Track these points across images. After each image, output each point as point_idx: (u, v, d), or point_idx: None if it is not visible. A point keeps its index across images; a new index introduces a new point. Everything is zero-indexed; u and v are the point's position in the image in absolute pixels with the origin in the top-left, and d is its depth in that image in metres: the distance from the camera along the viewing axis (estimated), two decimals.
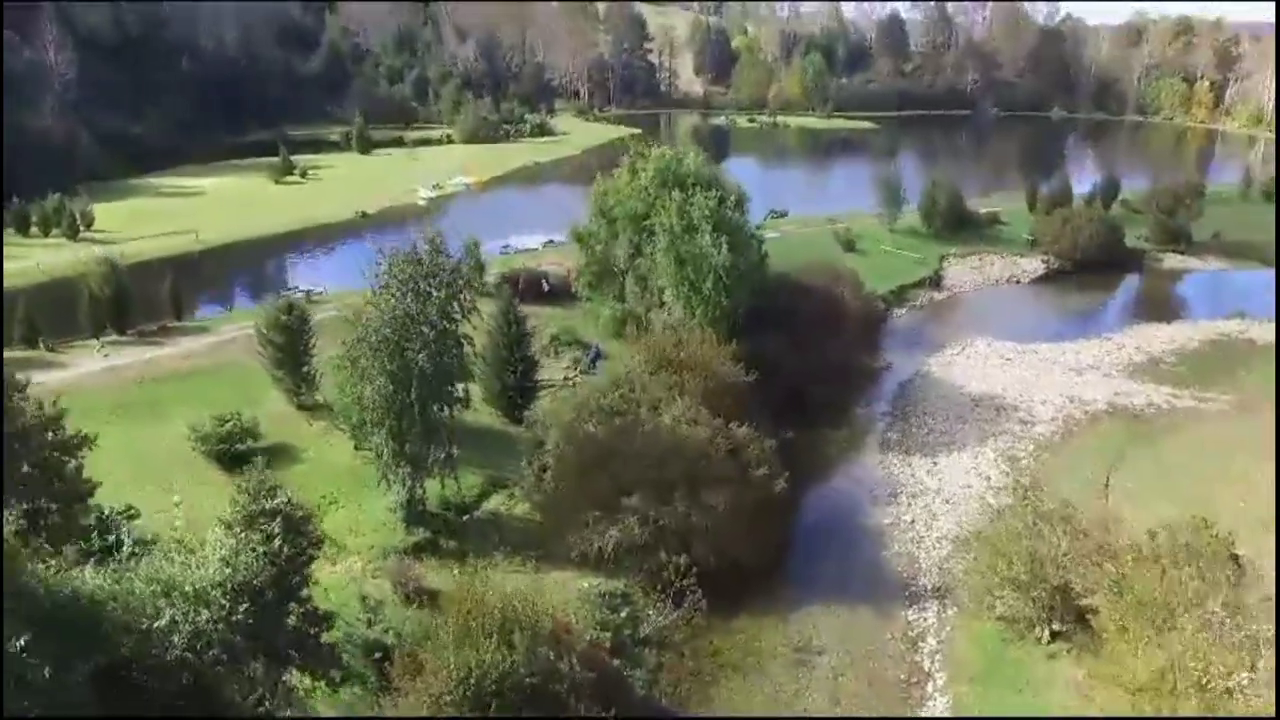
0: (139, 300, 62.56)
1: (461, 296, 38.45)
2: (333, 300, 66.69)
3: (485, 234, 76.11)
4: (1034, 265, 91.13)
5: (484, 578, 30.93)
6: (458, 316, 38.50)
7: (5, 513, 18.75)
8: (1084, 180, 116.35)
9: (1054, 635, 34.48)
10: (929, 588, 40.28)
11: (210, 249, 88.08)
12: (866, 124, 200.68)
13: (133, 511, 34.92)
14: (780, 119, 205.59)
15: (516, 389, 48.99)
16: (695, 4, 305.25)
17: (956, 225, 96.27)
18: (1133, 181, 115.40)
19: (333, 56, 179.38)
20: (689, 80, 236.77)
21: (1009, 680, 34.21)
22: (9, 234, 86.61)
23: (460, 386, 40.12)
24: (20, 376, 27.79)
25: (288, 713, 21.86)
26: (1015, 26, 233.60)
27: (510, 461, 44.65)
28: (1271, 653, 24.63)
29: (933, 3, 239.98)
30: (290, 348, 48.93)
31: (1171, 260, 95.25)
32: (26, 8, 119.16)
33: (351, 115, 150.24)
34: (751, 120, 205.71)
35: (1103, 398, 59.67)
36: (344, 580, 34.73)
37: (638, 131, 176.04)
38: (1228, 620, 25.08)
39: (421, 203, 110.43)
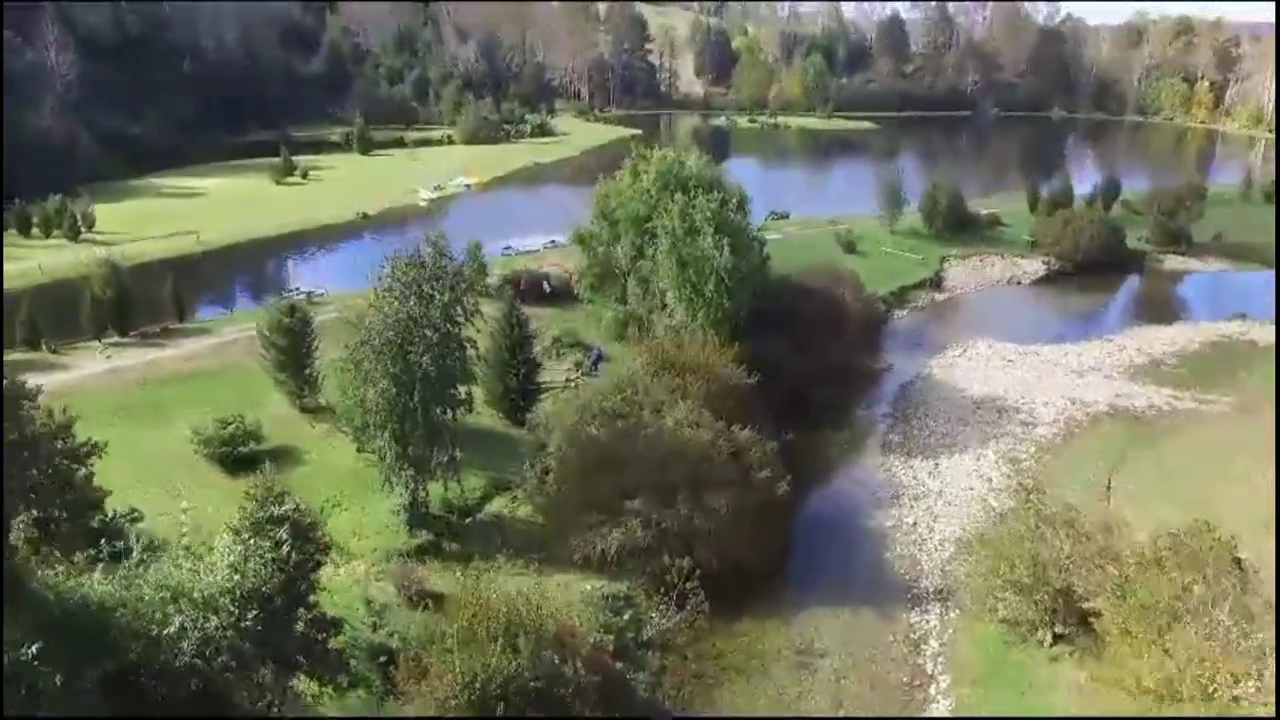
0: (141, 301, 62.61)
1: (464, 300, 38.47)
2: (334, 302, 66.81)
3: (486, 235, 76.14)
4: (1035, 266, 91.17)
5: (489, 581, 30.92)
6: (461, 319, 38.54)
7: (16, 521, 18.81)
8: (1084, 181, 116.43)
9: (1056, 638, 34.51)
10: (931, 590, 40.32)
11: (211, 250, 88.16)
12: (867, 124, 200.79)
13: (136, 514, 34.89)
14: (781, 120, 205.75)
15: (519, 391, 49.04)
16: (696, 4, 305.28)
17: (957, 226, 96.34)
18: (1133, 182, 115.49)
19: (333, 57, 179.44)
20: (689, 81, 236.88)
21: (1011, 683, 34.25)
22: (11, 235, 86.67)
23: (463, 389, 40.13)
24: (29, 384, 27.76)
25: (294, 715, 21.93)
26: (1015, 27, 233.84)
27: (512, 463, 44.69)
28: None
29: (933, 3, 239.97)
30: (292, 350, 48.97)
31: (1172, 261, 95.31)
32: (27, 8, 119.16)
33: (352, 116, 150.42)
34: (752, 121, 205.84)
35: (1104, 399, 59.72)
36: (348, 583, 34.78)
37: (638, 132, 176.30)
38: (1234, 629, 25.11)
39: (422, 204, 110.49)
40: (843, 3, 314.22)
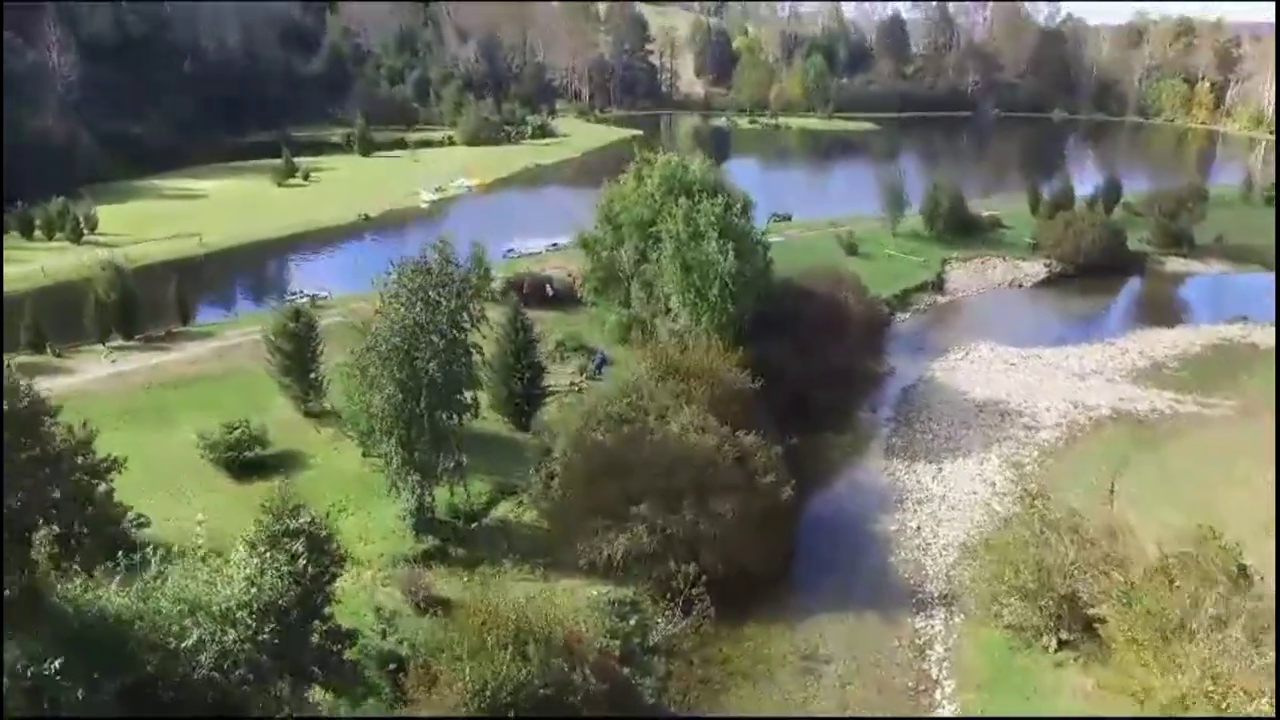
0: (144, 304, 62.55)
1: (471, 306, 38.54)
2: (337, 305, 66.88)
3: (488, 238, 76.20)
4: (1036, 269, 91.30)
5: (498, 587, 31.03)
6: (467, 325, 38.61)
7: (38, 536, 18.96)
8: (1085, 182, 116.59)
9: (1061, 644, 34.63)
10: (936, 595, 40.45)
11: (214, 252, 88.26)
12: (867, 125, 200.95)
13: (143, 520, 34.98)
14: (781, 120, 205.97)
15: (523, 396, 49.10)
16: (696, 4, 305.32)
17: (959, 228, 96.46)
18: (1134, 183, 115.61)
19: (334, 57, 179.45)
20: (690, 81, 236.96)
21: (1016, 688, 34.40)
22: (13, 237, 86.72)
23: (469, 394, 40.21)
24: (34, 386, 27.80)
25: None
26: (1016, 27, 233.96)
27: (518, 468, 44.79)
28: None
29: (934, 3, 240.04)
30: (298, 355, 49.04)
31: (1174, 264, 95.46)
32: (29, 9, 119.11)
33: (353, 116, 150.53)
34: (753, 121, 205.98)
35: (1106, 403, 59.85)
36: (354, 589, 34.83)
37: (639, 133, 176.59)
38: (1249, 646, 25.20)
39: (424, 205, 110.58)
40: (843, 3, 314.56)
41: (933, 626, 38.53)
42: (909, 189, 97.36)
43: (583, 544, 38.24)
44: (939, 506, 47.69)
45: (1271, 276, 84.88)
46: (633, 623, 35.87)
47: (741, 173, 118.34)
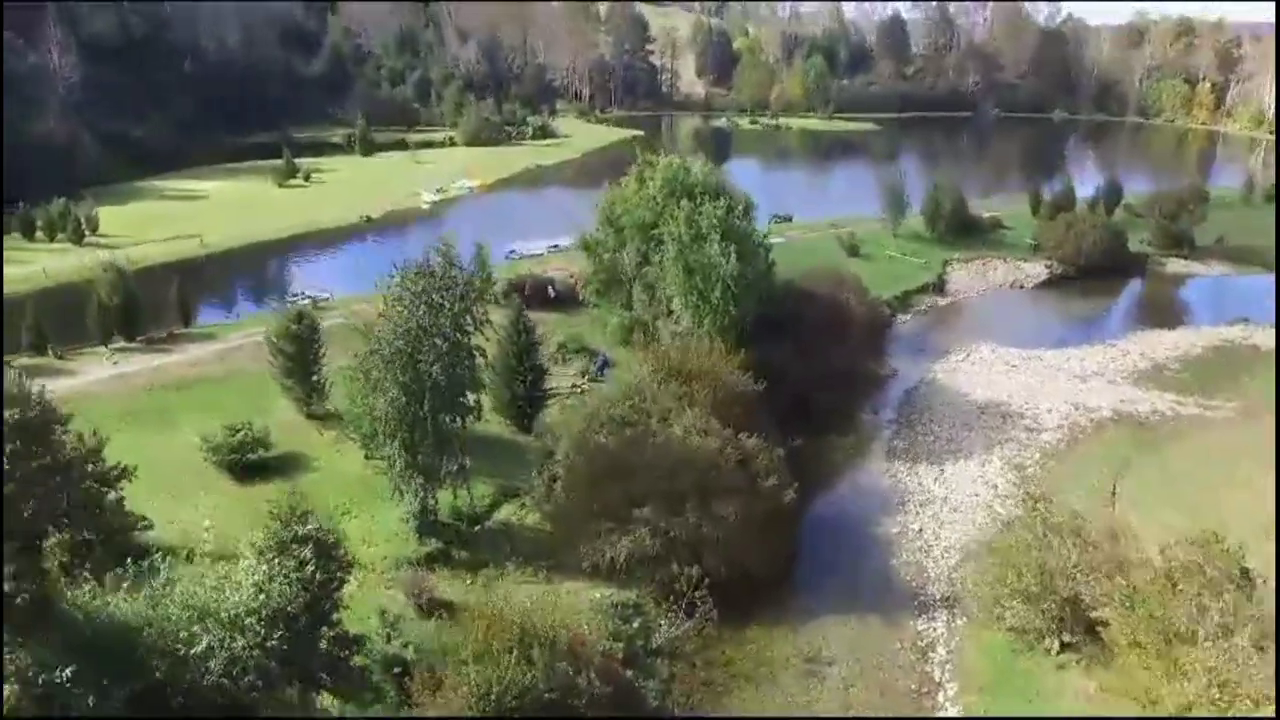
0: (146, 306, 62.57)
1: (474, 309, 38.58)
2: (339, 306, 66.91)
3: (490, 239, 76.23)
4: (1037, 270, 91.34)
5: (500, 590, 31.05)
6: (470, 328, 38.64)
7: (49, 544, 19.02)
8: (1086, 183, 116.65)
9: (1063, 646, 34.71)
10: (938, 597, 40.51)
11: (215, 253, 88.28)
12: (868, 126, 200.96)
13: (146, 522, 35.03)
14: (782, 121, 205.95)
15: (526, 398, 49.14)
16: (697, 5, 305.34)
17: (960, 229, 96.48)
18: (1134, 184, 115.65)
19: (334, 58, 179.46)
20: (690, 82, 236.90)
21: (1019, 690, 34.46)
22: (15, 238, 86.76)
23: (472, 397, 40.25)
24: (39, 387, 27.79)
25: None
26: (1016, 28, 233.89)
27: (520, 471, 44.84)
28: None
29: (934, 4, 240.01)
30: (300, 357, 49.09)
31: (1174, 265, 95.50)
32: (29, 10, 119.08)
33: (353, 117, 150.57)
34: (753, 122, 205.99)
35: (1108, 405, 59.90)
36: (358, 592, 34.85)
37: (639, 133, 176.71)
38: (1254, 654, 25.24)
39: (425, 206, 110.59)
40: (844, 3, 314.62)
41: (935, 629, 38.60)
42: (909, 190, 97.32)
43: (585, 546, 38.30)
44: (941, 508, 47.74)
45: (1272, 278, 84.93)
46: (636, 625, 35.95)
47: (742, 173, 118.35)
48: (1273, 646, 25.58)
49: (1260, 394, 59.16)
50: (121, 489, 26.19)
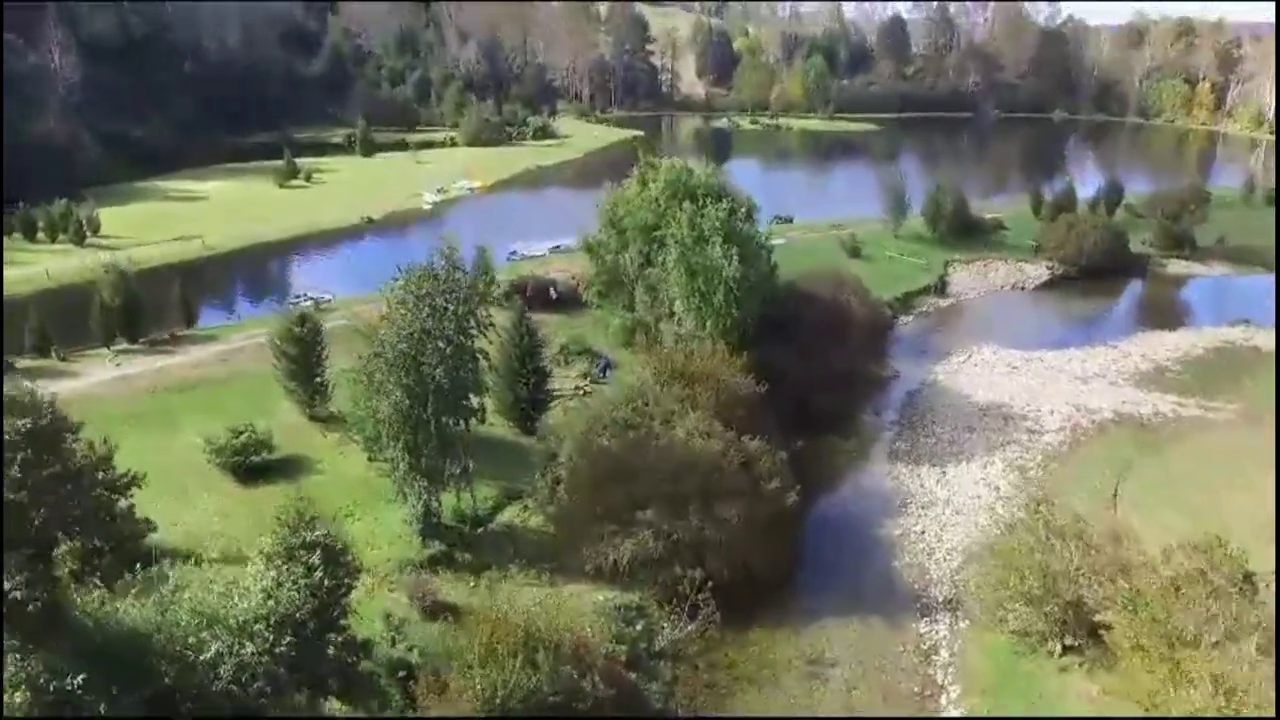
0: (148, 307, 62.60)
1: (478, 312, 38.62)
2: (341, 308, 66.95)
3: (491, 239, 76.32)
4: (1039, 271, 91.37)
5: (506, 595, 31.08)
6: (474, 331, 38.68)
7: (59, 552, 19.08)
8: (1086, 183, 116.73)
9: (1066, 649, 34.78)
10: (940, 599, 40.58)
11: (216, 254, 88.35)
12: (868, 126, 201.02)
13: (149, 525, 35.04)
14: (782, 121, 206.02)
15: (529, 400, 49.19)
16: (697, 5, 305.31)
17: (961, 230, 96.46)
18: (1135, 185, 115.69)
19: (335, 58, 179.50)
20: (691, 82, 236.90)
21: (1021, 693, 34.54)
22: (17, 239, 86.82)
23: (476, 400, 40.29)
24: (50, 395, 27.85)
25: None
26: (1017, 28, 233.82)
27: (523, 473, 44.88)
28: None
29: (934, 4, 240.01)
30: (303, 359, 49.15)
31: (1175, 266, 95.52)
32: (30, 10, 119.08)
33: (354, 117, 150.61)
34: (754, 122, 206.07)
35: (1109, 406, 59.94)
36: (362, 595, 34.89)
37: (640, 134, 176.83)
38: (1261, 660, 25.29)
39: (426, 207, 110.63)
40: (844, 3, 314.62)
41: (938, 631, 38.66)
42: (910, 191, 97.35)
43: (589, 549, 38.36)
44: (943, 510, 47.80)
45: (1273, 279, 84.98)
46: (639, 628, 36.01)
47: (742, 174, 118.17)
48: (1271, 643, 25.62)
49: (1262, 396, 59.18)
50: (131, 496, 26.22)
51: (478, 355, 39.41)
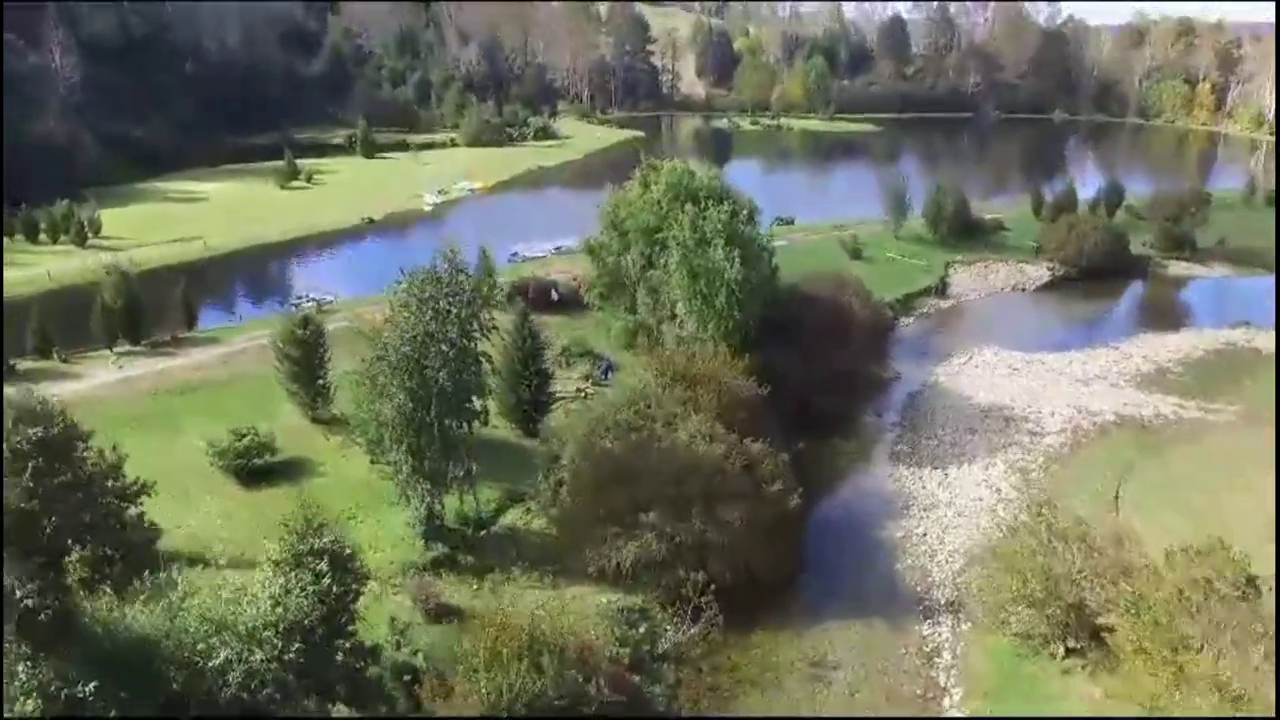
0: (149, 309, 62.64)
1: (481, 315, 38.67)
2: (343, 310, 67.04)
3: (492, 240, 76.43)
4: (1039, 272, 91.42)
5: (507, 595, 31.12)
6: (477, 334, 38.73)
7: (70, 560, 19.15)
8: (1086, 184, 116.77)
9: (1069, 651, 34.83)
10: (943, 602, 40.62)
11: (218, 256, 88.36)
12: (868, 126, 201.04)
13: (158, 531, 35.08)
14: (782, 121, 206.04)
15: (531, 402, 49.24)
16: (697, 5, 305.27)
17: (962, 232, 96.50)
18: (1135, 185, 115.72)
19: (335, 59, 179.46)
20: (691, 82, 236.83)
21: (1024, 695, 34.60)
22: (19, 241, 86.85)
23: (479, 403, 40.34)
24: (52, 398, 27.92)
25: None
26: (1017, 28, 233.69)
27: (526, 475, 44.93)
28: None
29: (935, 4, 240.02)
30: (306, 361, 49.19)
31: (1176, 267, 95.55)
32: (30, 10, 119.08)
33: (354, 118, 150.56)
34: (754, 123, 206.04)
35: (1110, 408, 59.99)
36: (366, 598, 34.93)
37: (640, 134, 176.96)
38: (1266, 665, 25.32)
39: (427, 208, 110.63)
40: (844, 3, 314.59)
41: (940, 634, 38.70)
42: (911, 191, 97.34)
43: (591, 551, 38.41)
44: (945, 513, 47.84)
45: (1274, 280, 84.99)
46: (642, 630, 36.00)
47: (743, 175, 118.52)
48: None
49: (1263, 397, 59.21)
50: (141, 504, 26.29)
51: (481, 358, 39.45)
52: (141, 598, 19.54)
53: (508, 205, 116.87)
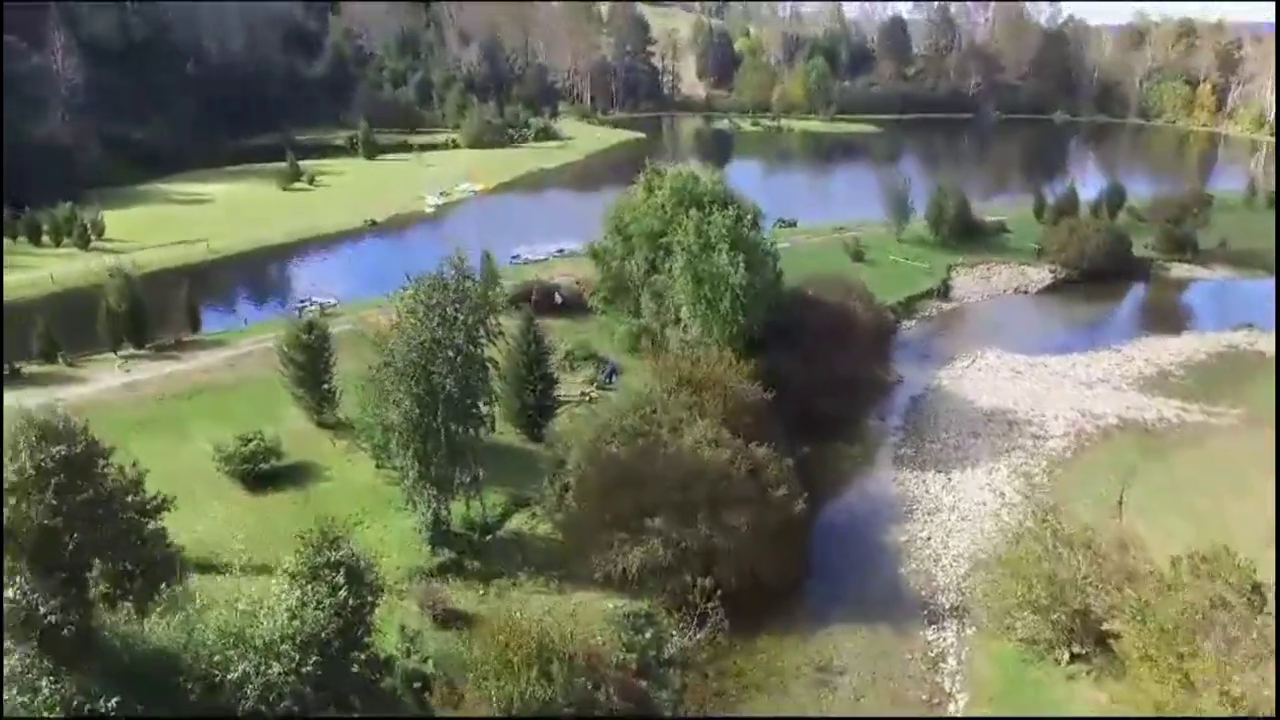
0: (153, 312, 62.71)
1: (487, 322, 38.78)
2: (346, 313, 67.12)
3: (494, 242, 76.53)
4: (1041, 275, 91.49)
5: (516, 603, 31.23)
6: (483, 340, 38.85)
7: (91, 576, 19.24)
8: (1087, 185, 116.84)
9: (1074, 657, 34.95)
10: (948, 607, 40.71)
11: (221, 258, 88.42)
12: (869, 127, 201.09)
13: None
14: (783, 122, 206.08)
15: (536, 407, 49.34)
16: (697, 6, 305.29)
17: (963, 234, 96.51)
18: (1136, 187, 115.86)
19: (336, 59, 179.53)
20: (691, 83, 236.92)
21: (1030, 701, 34.70)
22: (22, 243, 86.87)
23: (486, 408, 40.46)
24: (54, 402, 28.01)
25: None
26: (1018, 29, 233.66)
27: (531, 480, 45.03)
28: None
29: (935, 5, 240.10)
30: (311, 366, 49.24)
31: (1178, 269, 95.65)
32: (31, 11, 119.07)
33: (356, 119, 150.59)
34: (755, 123, 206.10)
35: (1113, 412, 60.11)
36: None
37: (641, 135, 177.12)
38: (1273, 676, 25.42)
39: (429, 210, 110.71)
40: (845, 4, 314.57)
41: (945, 639, 38.80)
42: (912, 193, 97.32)
43: (597, 556, 38.52)
44: (949, 517, 47.94)
45: (1275, 282, 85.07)
46: (648, 636, 36.08)
47: (744, 176, 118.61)
48: None
49: (1265, 401, 59.26)
50: (161, 519, 26.44)
51: (487, 364, 39.57)
52: (158, 610, 19.66)
53: (509, 207, 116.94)
